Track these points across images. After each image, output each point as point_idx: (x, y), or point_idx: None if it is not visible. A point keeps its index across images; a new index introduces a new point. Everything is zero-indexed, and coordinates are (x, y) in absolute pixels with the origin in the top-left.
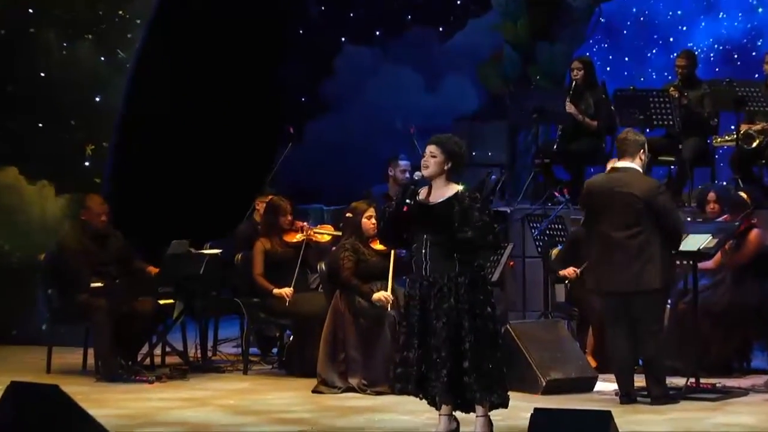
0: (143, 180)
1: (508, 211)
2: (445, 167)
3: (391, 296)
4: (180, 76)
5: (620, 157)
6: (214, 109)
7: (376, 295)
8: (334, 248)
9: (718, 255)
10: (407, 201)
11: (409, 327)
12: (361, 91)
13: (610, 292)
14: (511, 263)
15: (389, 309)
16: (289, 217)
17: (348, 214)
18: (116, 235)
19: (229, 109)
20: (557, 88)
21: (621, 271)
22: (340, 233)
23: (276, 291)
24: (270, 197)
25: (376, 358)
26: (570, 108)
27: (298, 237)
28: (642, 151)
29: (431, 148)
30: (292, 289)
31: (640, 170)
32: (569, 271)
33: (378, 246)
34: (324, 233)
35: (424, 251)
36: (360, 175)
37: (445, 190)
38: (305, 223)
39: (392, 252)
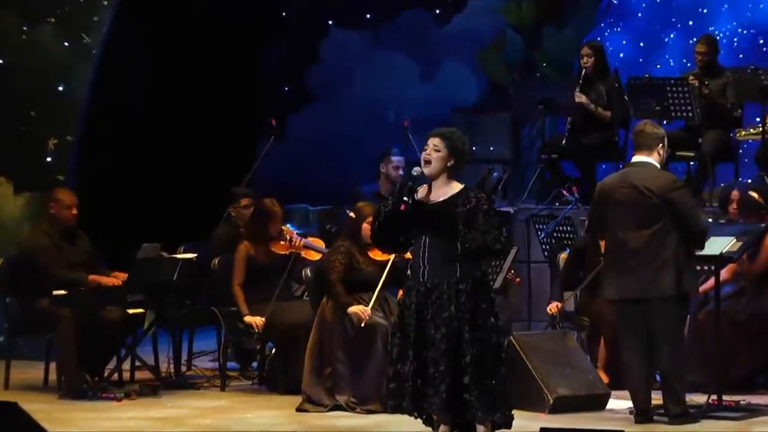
0: (111, 177)
1: (512, 211)
2: (448, 164)
3: (368, 312)
4: (151, 64)
5: (636, 151)
6: (189, 100)
7: (352, 309)
8: (329, 249)
9: (733, 264)
10: (405, 199)
11: (403, 338)
12: (349, 80)
13: (623, 300)
14: (517, 280)
15: (362, 324)
16: (279, 226)
17: (351, 214)
18: (83, 236)
19: (205, 99)
20: (565, 76)
21: (634, 277)
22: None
23: (247, 319)
24: (244, 200)
25: (366, 373)
26: (579, 98)
27: (284, 248)
28: (661, 145)
29: (435, 141)
30: (263, 319)
31: (658, 166)
32: (551, 307)
33: (376, 255)
34: (314, 249)
35: (422, 255)
36: (348, 173)
37: (446, 189)
38: (294, 232)
39: (389, 265)
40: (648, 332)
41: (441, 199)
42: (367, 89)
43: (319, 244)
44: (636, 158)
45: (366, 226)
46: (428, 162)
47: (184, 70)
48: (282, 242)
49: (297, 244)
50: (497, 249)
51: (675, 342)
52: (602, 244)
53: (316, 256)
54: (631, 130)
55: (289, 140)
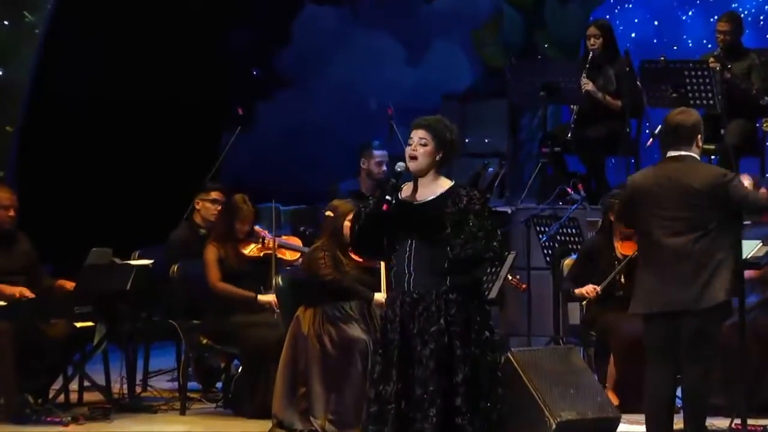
0: (56, 173)
1: (509, 211)
2: (436, 158)
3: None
4: (103, 46)
5: (671, 146)
6: (144, 87)
7: (378, 297)
8: (306, 252)
9: (758, 270)
10: (387, 198)
11: (386, 355)
12: (325, 63)
13: (661, 314)
14: (523, 286)
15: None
16: (247, 228)
17: (328, 213)
18: (23, 240)
19: (163, 85)
20: (570, 59)
21: (678, 287)
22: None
23: (261, 298)
24: (214, 193)
25: (344, 394)
26: (586, 86)
27: (257, 250)
28: (699, 135)
29: (420, 134)
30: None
31: (698, 158)
32: (588, 289)
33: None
34: (291, 247)
35: (407, 261)
36: (324, 168)
37: (434, 186)
38: (266, 232)
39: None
40: (680, 350)
41: (428, 198)
42: (345, 73)
43: (296, 242)
44: (673, 152)
45: (347, 225)
46: (414, 158)
47: (139, 52)
48: (253, 244)
49: (270, 244)
50: (489, 257)
51: (710, 359)
52: (618, 245)
53: (293, 257)
54: (651, 124)
55: (258, 131)
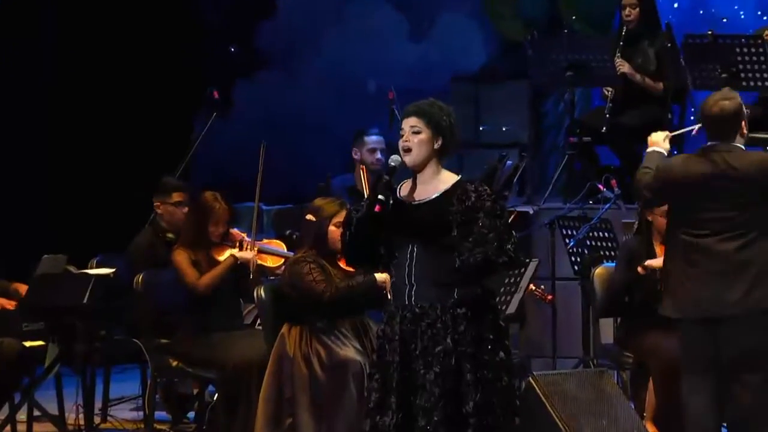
0: (4, 170)
1: (531, 212)
2: (435, 146)
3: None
4: (58, 26)
5: (710, 138)
6: (106, 68)
7: (381, 276)
8: (288, 263)
9: None
10: (380, 198)
11: (384, 380)
12: (315, 39)
13: (698, 321)
14: (549, 297)
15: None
16: (222, 229)
17: (309, 217)
18: None
19: (127, 66)
20: (602, 34)
21: (720, 290)
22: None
23: (240, 254)
24: (176, 195)
25: (336, 425)
26: (622, 67)
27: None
28: (743, 121)
29: (412, 122)
30: (253, 254)
31: (743, 148)
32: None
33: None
34: (274, 253)
35: (407, 271)
36: (314, 161)
37: (436, 182)
38: (245, 235)
39: None
40: (723, 367)
41: (430, 197)
42: (338, 51)
43: (280, 246)
44: (713, 141)
45: (333, 228)
46: (408, 150)
47: (102, 29)
48: (229, 249)
49: (249, 248)
50: (503, 263)
51: (764, 380)
52: (659, 250)
53: (276, 263)
54: (697, 109)
55: (236, 118)
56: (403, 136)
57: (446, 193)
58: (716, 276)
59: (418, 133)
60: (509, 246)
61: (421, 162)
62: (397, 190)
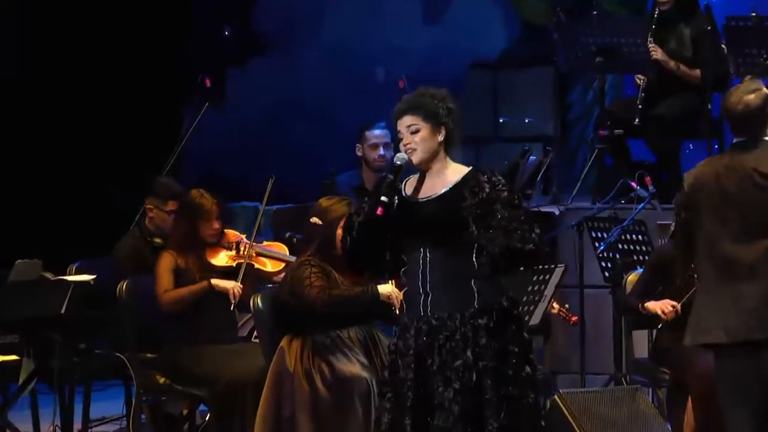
0: None
1: (557, 213)
2: (438, 139)
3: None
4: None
5: (736, 133)
6: (87, 53)
7: (384, 288)
8: (290, 268)
9: None
10: (383, 200)
11: (397, 398)
12: (318, 23)
13: (736, 344)
14: (573, 318)
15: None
16: (217, 226)
17: (314, 220)
18: None
19: (110, 51)
20: (634, 15)
21: (756, 309)
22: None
23: (217, 283)
24: (171, 204)
25: None
26: (655, 53)
27: (230, 259)
28: None
29: (407, 120)
30: (238, 285)
31: None
32: (664, 306)
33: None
34: (272, 255)
35: (421, 277)
36: (317, 157)
37: (445, 176)
38: (243, 237)
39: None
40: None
41: (440, 192)
42: (343, 35)
43: (281, 249)
44: (739, 139)
45: (342, 232)
46: (412, 150)
47: (81, 12)
48: (224, 251)
49: (246, 251)
50: (530, 251)
51: None
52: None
53: (276, 267)
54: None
55: (231, 108)
56: (402, 138)
57: (457, 186)
58: (749, 293)
59: (416, 132)
60: (533, 235)
61: (427, 159)
62: (402, 188)
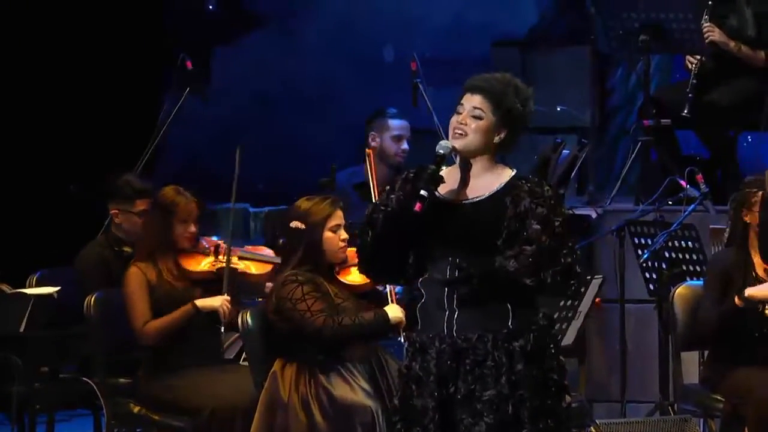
0: None
1: (594, 215)
2: (496, 138)
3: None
4: None
5: None
6: (52, 36)
7: (394, 313)
8: (275, 285)
9: None
10: (423, 194)
11: (409, 430)
12: None
13: None
14: (596, 300)
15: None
16: (193, 229)
17: (295, 224)
18: None
19: (73, 29)
20: None
21: None
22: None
23: (202, 303)
24: (140, 203)
25: None
26: (710, 30)
27: (210, 265)
28: None
29: (476, 101)
30: (226, 299)
31: None
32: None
33: (352, 279)
34: (255, 257)
35: (447, 291)
36: (315, 150)
37: (490, 178)
38: (221, 241)
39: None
40: None
41: (483, 196)
42: (346, 10)
43: (262, 252)
44: None
45: (329, 235)
46: (462, 133)
47: None
48: (203, 257)
49: (225, 253)
50: (568, 264)
51: None
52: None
53: (261, 270)
54: None
55: (217, 94)
56: (460, 114)
57: (499, 193)
58: None
59: (479, 118)
60: (561, 262)
61: (473, 151)
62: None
